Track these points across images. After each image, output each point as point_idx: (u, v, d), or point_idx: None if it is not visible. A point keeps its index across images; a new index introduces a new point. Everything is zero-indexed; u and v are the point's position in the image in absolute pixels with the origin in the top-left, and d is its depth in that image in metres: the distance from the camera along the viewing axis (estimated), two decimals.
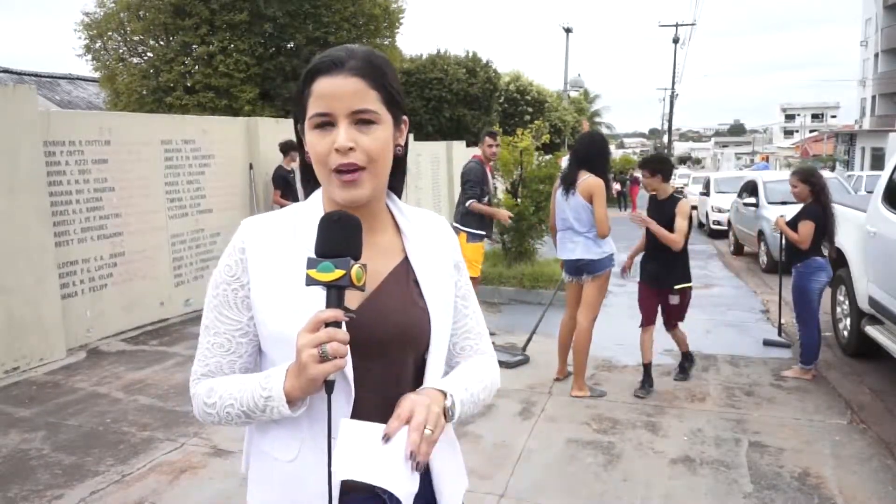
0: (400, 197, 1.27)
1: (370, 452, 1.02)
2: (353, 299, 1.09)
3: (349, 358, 1.06)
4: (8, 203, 4.99)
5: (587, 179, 4.43)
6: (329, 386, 1.01)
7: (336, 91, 1.08)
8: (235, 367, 1.18)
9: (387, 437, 1.03)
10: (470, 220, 5.69)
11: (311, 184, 1.21)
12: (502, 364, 5.14)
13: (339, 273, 0.99)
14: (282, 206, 7.50)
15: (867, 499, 3.20)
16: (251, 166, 7.89)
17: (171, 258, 6.79)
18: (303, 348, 0.99)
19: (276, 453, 1.16)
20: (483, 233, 5.81)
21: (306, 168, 1.18)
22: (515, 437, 3.93)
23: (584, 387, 4.59)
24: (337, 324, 1.00)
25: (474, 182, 5.67)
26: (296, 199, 7.62)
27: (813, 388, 4.70)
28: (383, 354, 1.15)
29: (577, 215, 4.46)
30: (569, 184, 4.52)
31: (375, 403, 1.14)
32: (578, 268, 4.56)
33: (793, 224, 4.93)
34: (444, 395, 1.13)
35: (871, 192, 4.98)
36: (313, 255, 1.01)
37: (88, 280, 5.87)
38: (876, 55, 40.13)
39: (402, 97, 1.16)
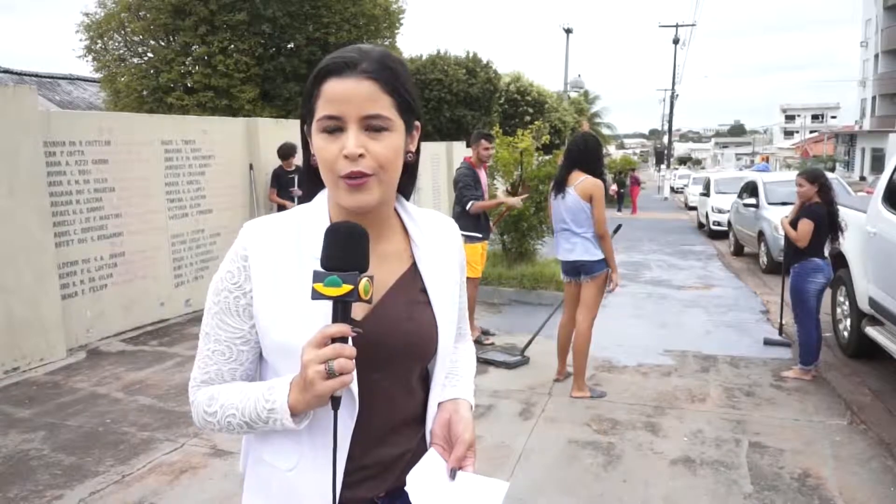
0: (409, 199, 1.24)
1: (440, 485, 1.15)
2: (358, 309, 1.07)
3: (354, 373, 1.04)
4: (8, 203, 4.99)
5: (586, 181, 4.43)
6: (336, 402, 0.99)
7: (347, 94, 1.03)
8: (236, 375, 1.16)
9: (453, 472, 1.15)
10: (465, 223, 5.65)
11: (314, 185, 1.16)
12: (502, 365, 5.14)
13: (346, 288, 0.95)
14: (279, 204, 7.46)
15: (867, 500, 3.20)
16: (251, 167, 7.89)
17: (171, 258, 6.79)
18: (308, 364, 0.97)
19: (275, 461, 1.14)
20: (479, 235, 5.78)
21: (310, 170, 1.15)
22: (515, 437, 3.93)
23: (584, 387, 4.58)
24: (343, 339, 0.97)
25: (470, 185, 5.62)
26: (288, 198, 7.54)
27: (813, 389, 4.70)
28: (389, 365, 1.13)
29: (573, 216, 4.46)
30: (560, 185, 4.53)
31: (380, 413, 1.14)
32: (576, 268, 4.56)
33: (794, 222, 4.95)
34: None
35: None
36: (319, 268, 0.98)
37: (88, 280, 5.87)
38: (876, 56, 40.16)
39: (416, 102, 1.12)
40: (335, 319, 0.97)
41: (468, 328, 1.43)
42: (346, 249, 0.98)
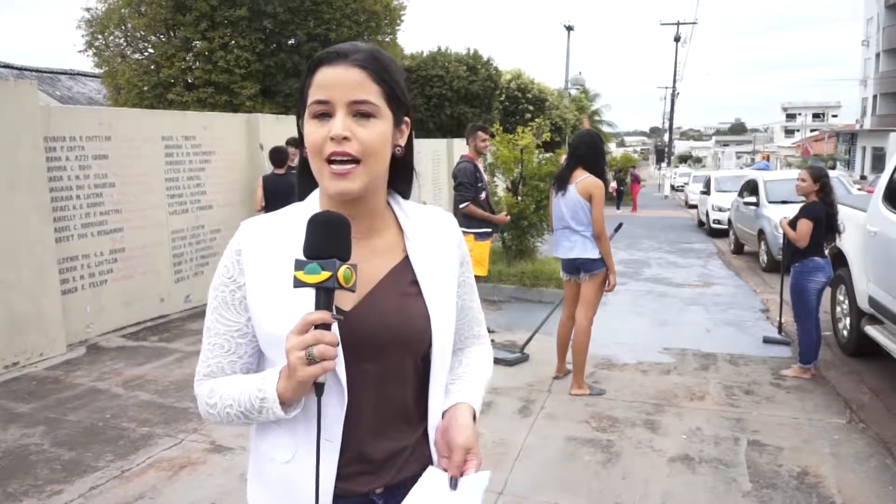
0: (408, 199, 1.25)
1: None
2: (347, 300, 1.09)
3: (342, 360, 1.06)
4: (8, 198, 4.99)
5: (587, 179, 4.42)
6: (319, 388, 1.01)
7: (336, 80, 1.06)
8: (236, 368, 1.18)
9: (454, 482, 1.13)
10: (472, 220, 5.64)
11: (310, 179, 1.18)
12: (501, 362, 5.14)
13: (325, 275, 0.97)
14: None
15: (866, 498, 3.20)
16: (261, 146, 7.78)
17: (171, 254, 6.79)
18: (290, 350, 0.99)
19: (274, 453, 1.17)
20: (489, 230, 5.78)
21: (305, 164, 1.17)
22: (514, 434, 3.93)
23: (584, 385, 4.59)
24: (326, 325, 0.99)
25: (467, 184, 5.60)
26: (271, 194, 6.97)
27: (812, 388, 4.70)
28: (379, 356, 1.14)
29: (573, 214, 4.45)
30: (562, 182, 4.52)
31: (371, 404, 1.14)
32: (576, 266, 4.56)
33: (792, 222, 4.94)
34: (473, 412, 1.23)
35: None
36: (302, 257, 1.01)
37: (88, 276, 5.87)
38: (877, 55, 40.09)
39: (405, 96, 1.14)
40: (318, 307, 0.99)
41: (484, 332, 1.42)
42: (325, 237, 1.01)
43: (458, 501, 1.12)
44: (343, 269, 0.99)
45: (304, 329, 0.99)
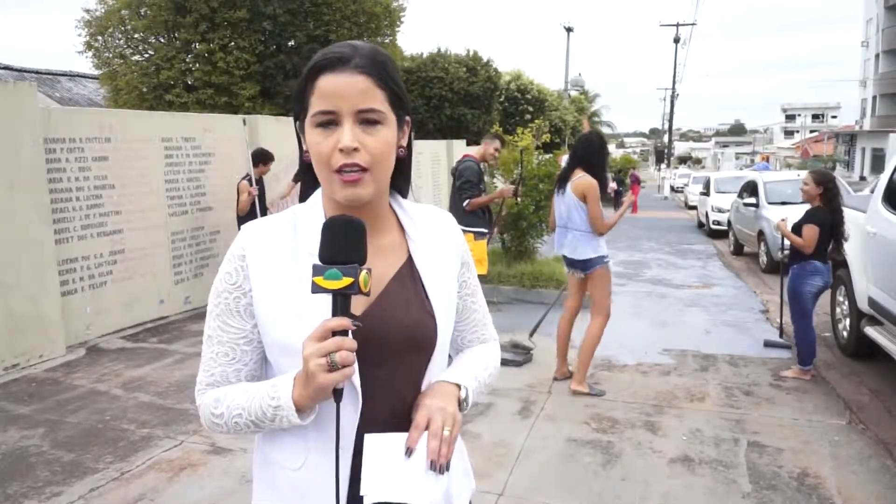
0: (405, 198, 1.25)
1: (394, 468, 1.06)
2: (357, 304, 1.07)
3: (356, 365, 1.05)
4: (8, 200, 4.99)
5: (580, 179, 4.47)
6: (338, 394, 1.00)
7: (341, 89, 1.04)
8: (241, 376, 1.16)
9: (409, 451, 1.07)
10: (473, 219, 5.68)
11: (311, 182, 1.17)
12: (509, 363, 5.13)
13: (347, 281, 0.96)
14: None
15: (866, 499, 3.20)
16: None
17: (170, 256, 6.79)
18: (310, 357, 0.97)
19: (283, 461, 1.15)
20: (485, 230, 5.82)
21: (307, 169, 1.15)
22: (514, 436, 3.93)
23: (584, 382, 4.59)
24: (344, 331, 0.98)
25: (473, 182, 5.66)
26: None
27: (812, 389, 4.70)
28: (390, 359, 1.13)
29: (569, 213, 4.56)
30: (562, 182, 4.63)
31: (384, 408, 1.13)
32: (573, 263, 4.66)
33: (796, 227, 4.90)
34: (458, 387, 1.17)
35: None
36: (318, 262, 0.99)
37: (88, 277, 5.87)
38: (877, 56, 40.14)
39: (406, 97, 1.13)
40: (335, 313, 0.98)
41: (491, 334, 1.39)
42: (345, 242, 0.99)
43: (410, 469, 1.06)
44: (363, 274, 0.97)
45: (324, 336, 0.97)
